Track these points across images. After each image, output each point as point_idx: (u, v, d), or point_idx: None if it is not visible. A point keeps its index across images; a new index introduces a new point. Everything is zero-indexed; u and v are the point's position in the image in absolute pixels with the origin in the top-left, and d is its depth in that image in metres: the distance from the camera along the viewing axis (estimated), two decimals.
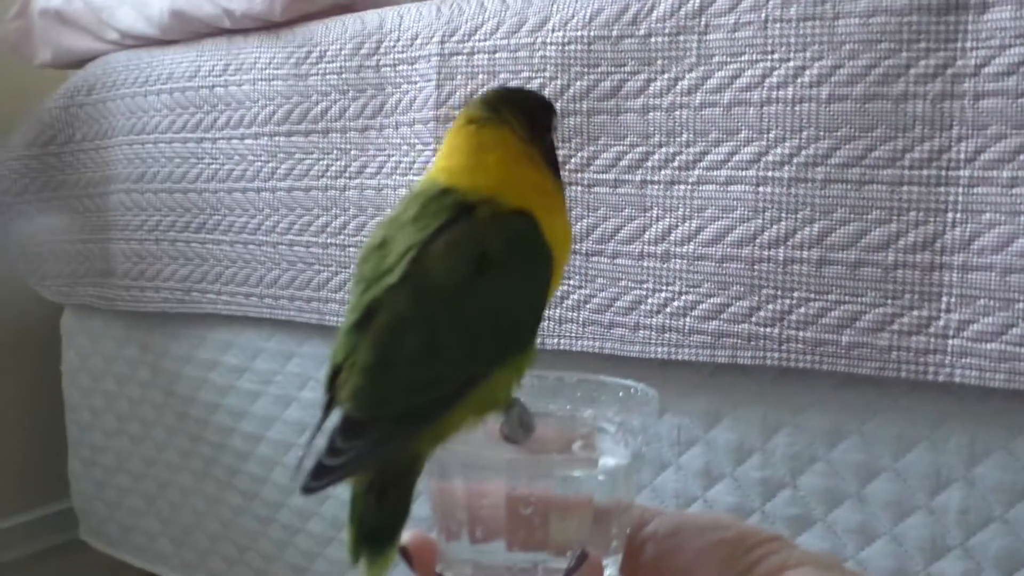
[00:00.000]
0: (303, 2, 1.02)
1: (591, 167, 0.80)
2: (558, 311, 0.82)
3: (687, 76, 0.75)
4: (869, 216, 0.68)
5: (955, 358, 0.66)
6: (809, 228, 0.70)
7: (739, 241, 0.73)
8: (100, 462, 1.30)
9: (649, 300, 0.78)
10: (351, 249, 0.98)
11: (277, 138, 1.01)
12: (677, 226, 0.76)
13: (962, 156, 0.65)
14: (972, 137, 0.64)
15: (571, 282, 0.82)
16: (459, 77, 0.87)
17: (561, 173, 0.38)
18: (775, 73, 0.71)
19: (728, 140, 0.73)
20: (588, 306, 0.81)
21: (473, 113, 0.36)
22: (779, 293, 0.72)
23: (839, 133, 0.68)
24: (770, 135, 0.71)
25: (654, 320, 0.78)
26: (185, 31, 1.12)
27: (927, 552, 0.71)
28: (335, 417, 0.32)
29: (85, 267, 1.23)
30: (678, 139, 0.75)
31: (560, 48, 0.80)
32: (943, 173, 0.66)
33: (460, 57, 0.87)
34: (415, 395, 0.31)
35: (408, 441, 0.31)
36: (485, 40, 0.85)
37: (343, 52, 0.96)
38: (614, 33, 0.78)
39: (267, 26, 1.05)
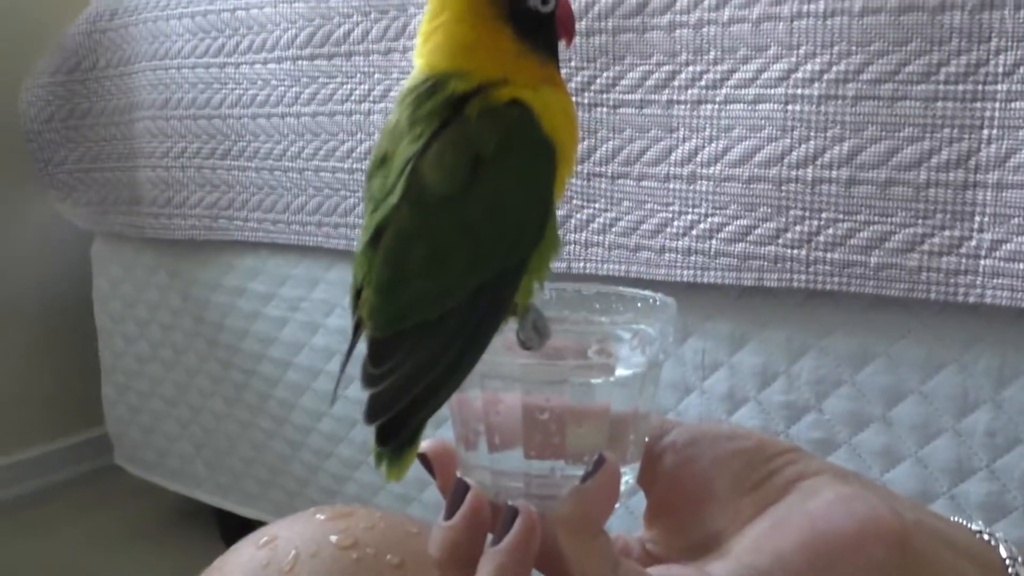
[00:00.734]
0: None
1: (616, 87, 0.78)
2: (584, 235, 0.82)
3: None
4: (901, 134, 0.66)
5: (986, 279, 0.65)
6: (839, 147, 0.69)
7: (767, 161, 0.72)
8: (133, 387, 1.32)
9: (675, 223, 0.77)
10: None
11: (300, 62, 1.00)
12: (704, 147, 0.75)
13: (1000, 70, 0.63)
14: (1011, 49, 0.62)
15: (596, 205, 0.81)
16: None
17: (561, 65, 0.36)
18: None
19: (757, 57, 0.71)
20: (614, 229, 0.80)
21: None
22: (807, 214, 0.71)
23: (872, 47, 0.66)
24: (800, 51, 0.69)
25: (680, 243, 0.77)
26: None
27: (952, 474, 0.70)
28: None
29: (114, 195, 1.24)
30: (705, 57, 0.74)
31: None
32: (980, 88, 0.64)
33: None
34: (431, 306, 0.31)
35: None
36: None
37: None
38: None
39: None
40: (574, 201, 0.82)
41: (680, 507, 0.35)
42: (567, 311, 0.38)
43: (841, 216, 0.69)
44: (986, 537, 0.34)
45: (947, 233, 0.66)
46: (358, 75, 0.96)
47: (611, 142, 0.79)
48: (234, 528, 1.29)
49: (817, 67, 0.69)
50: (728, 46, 0.72)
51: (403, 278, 0.31)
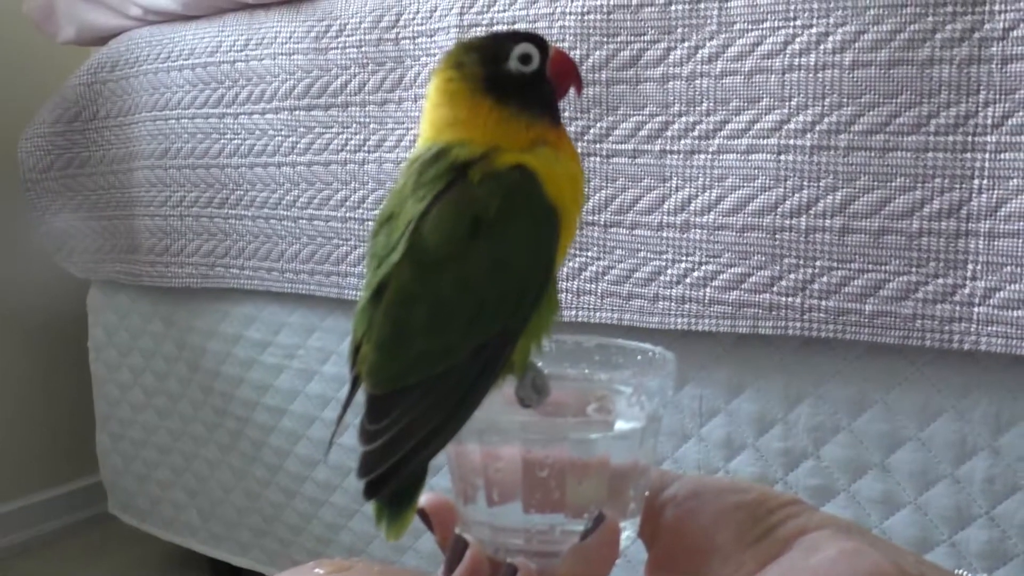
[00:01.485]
0: None
1: (610, 137, 0.79)
2: (576, 283, 0.82)
3: (708, 44, 0.74)
4: (893, 183, 0.67)
5: (981, 326, 0.65)
6: (832, 196, 0.69)
7: (760, 210, 0.72)
8: (128, 436, 1.31)
9: (669, 271, 0.78)
10: (370, 223, 0.97)
11: (298, 112, 1.02)
12: (697, 196, 0.75)
13: (989, 121, 0.64)
14: (999, 102, 0.63)
15: (589, 253, 0.81)
16: None
17: (561, 118, 0.36)
18: (797, 39, 0.70)
19: (749, 108, 0.72)
20: (607, 278, 0.81)
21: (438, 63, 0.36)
22: (801, 262, 0.71)
23: (863, 99, 0.68)
24: (792, 103, 0.70)
25: (674, 291, 0.77)
26: (207, 6, 1.12)
27: (952, 521, 0.70)
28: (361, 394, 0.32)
29: (111, 243, 1.24)
30: (698, 108, 0.75)
31: (579, 18, 0.79)
32: (969, 139, 0.65)
33: (479, 29, 0.86)
34: (430, 365, 0.31)
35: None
36: (504, 11, 0.84)
37: (363, 25, 0.95)
38: (634, 2, 0.77)
39: (287, 0, 1.05)
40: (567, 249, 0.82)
41: (681, 561, 0.35)
42: (567, 365, 0.38)
43: (835, 264, 0.70)
44: None
45: (940, 281, 0.66)
46: (354, 125, 0.97)
47: (604, 191, 0.80)
48: None
49: (809, 118, 0.70)
50: (721, 98, 0.74)
51: (404, 337, 0.31)
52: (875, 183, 0.68)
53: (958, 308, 0.66)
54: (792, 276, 0.72)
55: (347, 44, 0.97)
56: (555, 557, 0.31)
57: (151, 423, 1.28)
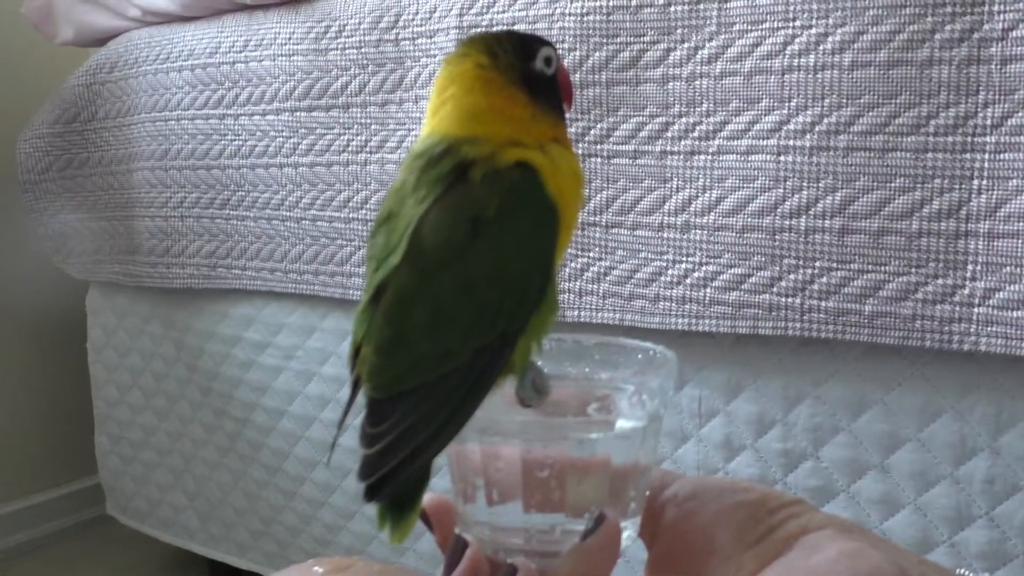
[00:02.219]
0: None
1: (610, 139, 0.79)
2: (578, 284, 0.82)
3: (707, 45, 0.74)
4: (892, 184, 0.67)
5: (980, 327, 0.65)
6: (831, 197, 0.69)
7: (760, 211, 0.72)
8: (126, 437, 1.31)
9: (669, 271, 0.78)
10: (372, 224, 0.98)
11: (298, 113, 1.02)
12: (697, 197, 0.75)
13: (988, 122, 0.64)
14: (999, 102, 0.63)
15: (591, 254, 0.81)
16: None
17: (567, 123, 0.37)
18: (797, 40, 0.70)
19: (749, 109, 0.72)
20: (608, 278, 0.81)
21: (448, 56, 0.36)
22: (801, 263, 0.71)
23: (862, 100, 0.68)
24: (791, 103, 0.70)
25: (674, 291, 0.77)
26: (206, 7, 1.12)
27: (952, 522, 0.70)
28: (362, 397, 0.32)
29: (110, 244, 1.24)
30: (698, 109, 0.75)
31: (579, 19, 0.79)
32: (968, 139, 0.65)
33: (478, 30, 0.86)
34: (430, 368, 0.31)
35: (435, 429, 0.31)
36: (503, 12, 0.84)
37: (362, 26, 0.95)
38: (633, 3, 0.77)
39: (287, 1, 1.05)
40: (568, 250, 0.82)
41: (682, 561, 0.35)
42: (567, 364, 0.38)
43: (835, 265, 0.70)
44: None
45: (940, 282, 0.67)
46: (355, 126, 0.97)
47: (605, 192, 0.80)
48: None
49: (809, 119, 0.70)
50: (721, 98, 0.74)
51: (403, 339, 0.31)
52: (875, 184, 0.68)
53: (958, 309, 0.66)
54: (792, 277, 0.72)
55: (347, 45, 0.97)
56: (555, 557, 0.31)
57: (150, 424, 1.28)
